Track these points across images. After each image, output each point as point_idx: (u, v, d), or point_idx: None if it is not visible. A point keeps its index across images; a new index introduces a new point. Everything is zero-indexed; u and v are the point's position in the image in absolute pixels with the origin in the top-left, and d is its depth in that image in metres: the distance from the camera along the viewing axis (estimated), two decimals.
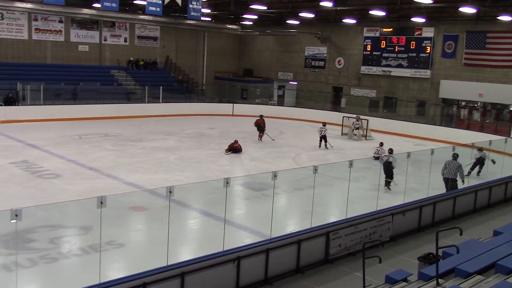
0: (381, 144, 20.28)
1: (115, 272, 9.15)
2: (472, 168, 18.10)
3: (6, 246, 9.89)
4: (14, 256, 9.08)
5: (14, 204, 7.17)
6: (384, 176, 15.29)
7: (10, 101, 26.99)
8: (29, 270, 9.14)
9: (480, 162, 18.19)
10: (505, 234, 8.93)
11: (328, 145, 23.27)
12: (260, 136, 24.49)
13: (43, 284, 8.89)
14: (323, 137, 23.33)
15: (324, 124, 23.87)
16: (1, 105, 26.63)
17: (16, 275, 7.94)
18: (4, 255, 9.69)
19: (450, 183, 14.73)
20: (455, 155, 15.18)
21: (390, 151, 16.71)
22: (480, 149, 18.14)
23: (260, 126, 24.56)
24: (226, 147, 21.04)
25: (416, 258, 8.46)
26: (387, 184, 15.51)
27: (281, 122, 30.92)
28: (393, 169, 15.52)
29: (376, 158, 18.27)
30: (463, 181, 14.92)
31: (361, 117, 27.12)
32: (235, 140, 21.37)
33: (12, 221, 6.44)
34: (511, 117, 28.57)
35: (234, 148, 20.95)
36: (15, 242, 8.79)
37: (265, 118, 25.06)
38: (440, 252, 7.70)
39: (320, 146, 23.28)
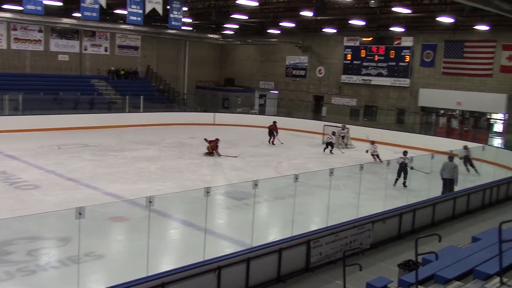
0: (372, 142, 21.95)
1: (94, 284, 9.04)
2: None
3: None
4: None
5: None
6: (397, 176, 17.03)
7: None
8: (6, 283, 8.96)
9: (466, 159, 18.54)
10: (483, 240, 9.04)
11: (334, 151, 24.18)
12: (271, 141, 26.29)
13: None
14: (329, 144, 24.32)
15: (333, 133, 24.95)
16: None
17: None
18: None
19: (449, 183, 15.60)
20: (451, 157, 16.22)
21: (405, 153, 18.11)
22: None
23: (272, 131, 26.54)
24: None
25: (396, 265, 8.51)
26: (403, 182, 17.10)
27: (262, 131, 30.94)
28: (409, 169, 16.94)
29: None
30: (456, 182, 15.64)
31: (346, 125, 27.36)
32: (216, 139, 22.25)
33: None
34: (489, 125, 29.04)
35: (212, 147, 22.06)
36: None
37: (277, 125, 27.00)
38: (419, 259, 7.76)
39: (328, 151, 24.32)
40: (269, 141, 26.41)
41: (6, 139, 23.70)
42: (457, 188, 15.72)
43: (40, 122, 26.90)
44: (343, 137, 26.66)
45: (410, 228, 12.60)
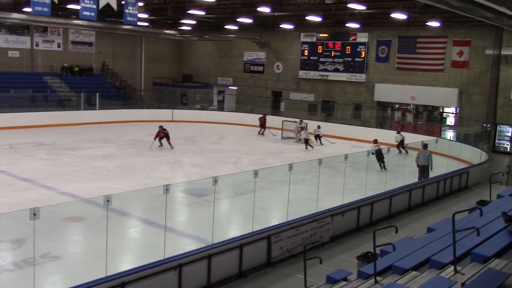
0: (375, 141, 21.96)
1: (51, 286, 8.82)
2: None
3: None
4: None
5: None
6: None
7: None
8: None
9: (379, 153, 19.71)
10: (438, 231, 9.30)
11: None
12: (261, 132, 28.13)
13: None
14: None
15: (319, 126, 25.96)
16: None
17: None
18: None
19: (423, 170, 17.06)
20: (425, 145, 17.49)
21: (375, 141, 20.41)
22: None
23: (261, 123, 28.65)
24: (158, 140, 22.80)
25: (355, 257, 8.67)
26: (382, 166, 18.83)
27: (221, 127, 30.88)
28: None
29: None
30: (431, 168, 17.04)
31: (304, 120, 27.69)
32: (160, 126, 22.84)
33: None
34: (441, 118, 29.92)
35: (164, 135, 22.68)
36: None
37: (267, 117, 29.24)
38: (377, 250, 7.92)
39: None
40: (259, 132, 28.43)
41: None
42: (432, 174, 16.85)
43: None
44: (300, 131, 26.93)
45: (368, 221, 12.85)
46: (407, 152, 22.37)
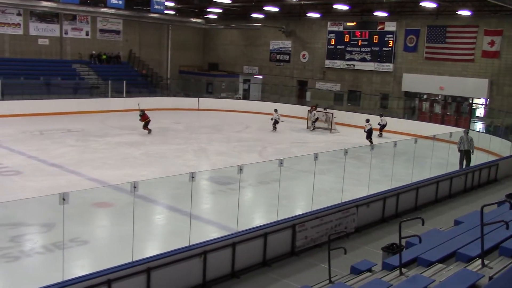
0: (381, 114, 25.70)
1: (79, 270, 9.00)
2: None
3: None
4: None
5: None
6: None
7: None
8: None
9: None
10: (465, 223, 9.17)
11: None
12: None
13: (5, 284, 8.66)
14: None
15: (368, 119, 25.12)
16: None
17: None
18: None
19: (466, 154, 18.21)
20: (467, 131, 18.95)
21: (367, 120, 23.81)
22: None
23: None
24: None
25: (380, 249, 8.62)
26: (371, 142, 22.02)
27: (246, 116, 30.92)
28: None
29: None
30: (472, 151, 18.29)
31: (319, 108, 27.92)
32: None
33: None
34: (471, 109, 29.37)
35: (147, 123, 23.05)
36: None
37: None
38: (403, 242, 7.85)
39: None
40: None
41: None
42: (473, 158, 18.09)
43: (21, 107, 26.52)
44: (314, 120, 27.01)
45: (393, 212, 12.74)
46: (380, 135, 25.38)
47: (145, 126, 23.24)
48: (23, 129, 22.40)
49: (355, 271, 7.72)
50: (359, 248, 10.48)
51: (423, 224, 8.00)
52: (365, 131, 24.17)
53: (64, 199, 7.11)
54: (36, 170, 16.00)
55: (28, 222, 11.43)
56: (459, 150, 18.34)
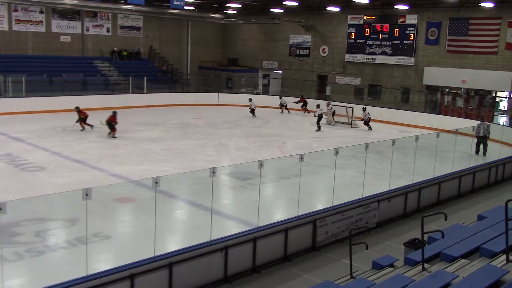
0: (364, 108, 25.86)
1: (102, 264, 9.11)
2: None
3: None
4: None
5: None
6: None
7: None
8: (15, 264, 9.06)
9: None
10: (489, 219, 9.05)
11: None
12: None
13: (30, 278, 8.83)
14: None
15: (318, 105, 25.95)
16: None
17: (2, 269, 7.85)
18: None
19: (483, 140, 19.33)
20: (482, 118, 20.62)
21: (318, 106, 25.31)
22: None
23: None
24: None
25: (402, 244, 8.55)
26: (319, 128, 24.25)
27: (266, 111, 30.90)
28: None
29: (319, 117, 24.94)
30: (488, 136, 19.54)
31: (334, 103, 28.03)
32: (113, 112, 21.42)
33: None
34: (494, 103, 28.88)
35: (110, 123, 21.01)
36: (0, 235, 8.68)
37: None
38: (425, 237, 7.79)
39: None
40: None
41: (11, 122, 23.74)
42: (482, 160, 18.09)
43: (44, 104, 26.90)
44: (332, 114, 26.91)
45: (415, 207, 12.64)
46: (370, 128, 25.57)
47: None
48: (46, 126, 22.74)
49: (377, 266, 7.68)
50: (381, 243, 10.42)
51: (445, 219, 7.92)
52: (315, 115, 25.33)
53: (87, 195, 7.21)
54: (60, 166, 16.24)
55: (52, 217, 11.61)
56: (476, 136, 19.42)
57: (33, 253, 9.64)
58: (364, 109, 25.97)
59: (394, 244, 10.15)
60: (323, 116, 25.86)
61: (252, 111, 28.63)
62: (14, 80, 27.79)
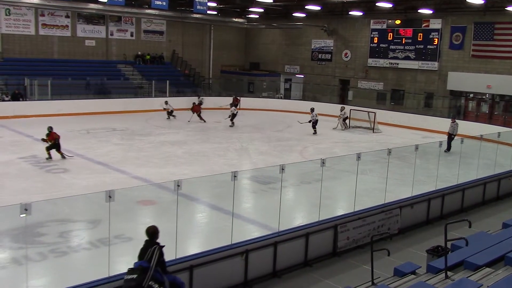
0: (312, 109, 25.48)
1: (124, 266, 9.19)
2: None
3: (16, 240, 9.97)
4: (24, 250, 9.14)
5: (23, 199, 7.21)
6: None
7: (17, 97, 27.18)
8: (39, 264, 9.21)
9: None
10: None
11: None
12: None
13: (53, 278, 8.96)
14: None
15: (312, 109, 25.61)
16: (9, 100, 26.81)
17: (27, 269, 8.00)
18: (14, 249, 9.78)
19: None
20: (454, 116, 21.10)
21: (312, 109, 25.06)
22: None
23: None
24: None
25: (425, 251, 8.46)
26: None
27: (287, 116, 30.89)
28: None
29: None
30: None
31: (356, 108, 27.76)
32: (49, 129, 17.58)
33: (22, 215, 6.48)
34: None
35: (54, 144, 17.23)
36: (25, 236, 8.85)
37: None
38: (448, 244, 7.68)
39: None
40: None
41: (36, 124, 24.13)
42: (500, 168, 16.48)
43: (69, 107, 27.35)
44: (344, 119, 26.67)
45: (438, 214, 12.47)
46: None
47: (55, 149, 17.34)
48: (71, 128, 23.08)
49: (399, 273, 7.59)
50: (403, 250, 10.31)
51: (470, 226, 7.80)
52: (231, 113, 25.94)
53: (110, 197, 7.29)
54: (83, 168, 16.47)
55: (76, 218, 11.77)
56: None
57: (56, 253, 9.79)
58: (312, 110, 25.54)
59: (417, 251, 10.03)
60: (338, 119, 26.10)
61: (170, 113, 27.87)
62: (40, 84, 28.33)
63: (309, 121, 25.20)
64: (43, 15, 32.29)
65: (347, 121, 27.10)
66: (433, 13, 29.63)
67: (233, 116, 26.27)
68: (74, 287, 6.99)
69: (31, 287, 7.85)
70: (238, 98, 30.98)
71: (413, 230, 11.57)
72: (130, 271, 6.52)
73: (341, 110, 27.15)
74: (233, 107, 26.76)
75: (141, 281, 6.29)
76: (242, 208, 12.50)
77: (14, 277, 8.71)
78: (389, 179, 12.45)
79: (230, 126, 25.78)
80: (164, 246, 6.70)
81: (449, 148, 20.04)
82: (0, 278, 8.93)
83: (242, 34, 42.28)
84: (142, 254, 6.64)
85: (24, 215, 6.50)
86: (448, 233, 7.13)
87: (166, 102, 28.09)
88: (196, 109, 27.92)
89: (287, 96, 38.02)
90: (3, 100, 26.69)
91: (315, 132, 24.87)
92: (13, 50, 31.34)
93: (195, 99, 30.67)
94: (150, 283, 6.28)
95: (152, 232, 6.75)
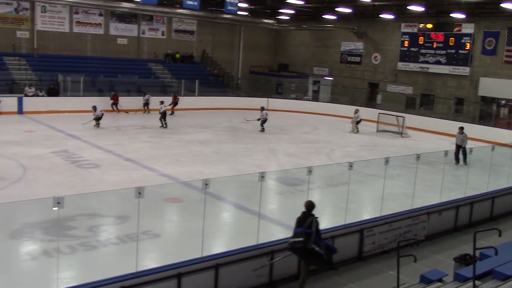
0: (262, 108, 25.29)
1: (151, 262, 9.35)
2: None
3: (47, 233, 10.21)
4: (54, 242, 9.35)
5: (54, 192, 7.40)
6: None
7: (52, 92, 27.80)
8: (68, 257, 9.42)
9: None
10: None
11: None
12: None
13: (82, 271, 9.14)
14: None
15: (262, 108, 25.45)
16: (43, 95, 27.45)
17: (58, 261, 8.20)
18: (45, 241, 10.02)
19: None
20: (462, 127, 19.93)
21: (262, 108, 25.01)
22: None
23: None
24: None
25: (452, 259, 8.36)
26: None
27: (315, 118, 30.82)
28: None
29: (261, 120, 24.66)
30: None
31: (385, 112, 27.40)
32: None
33: (54, 209, 6.64)
34: None
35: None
36: (56, 229, 9.06)
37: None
38: (477, 253, 7.58)
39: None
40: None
41: (68, 119, 24.69)
42: None
43: (100, 104, 27.75)
44: (357, 122, 26.34)
45: (467, 221, 12.28)
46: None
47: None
48: (101, 125, 23.49)
49: (425, 280, 7.53)
50: (429, 257, 10.19)
51: (500, 235, 7.67)
52: (160, 111, 24.45)
53: (140, 193, 7.41)
54: (113, 164, 16.75)
55: (105, 213, 11.99)
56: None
57: (86, 247, 10.01)
58: (262, 109, 25.20)
59: (444, 259, 9.91)
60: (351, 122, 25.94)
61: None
62: (73, 80, 28.92)
63: (257, 119, 24.79)
64: (77, 13, 32.96)
65: (359, 125, 26.61)
66: (465, 17, 29.17)
67: (263, 121, 24.89)
68: (102, 281, 7.12)
69: (61, 278, 8.05)
70: (178, 97, 30.00)
71: (441, 237, 11.42)
72: (294, 235, 7.97)
73: (355, 113, 26.73)
74: (263, 112, 25.18)
75: (305, 243, 7.75)
76: (268, 209, 12.54)
77: (45, 268, 8.94)
78: (417, 185, 12.32)
79: (262, 131, 24.76)
80: (318, 217, 8.11)
81: (457, 160, 19.23)
82: (31, 269, 9.19)
83: (271, 35, 42.35)
84: (301, 222, 8.03)
85: (56, 208, 6.66)
86: (476, 242, 7.04)
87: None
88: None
89: (315, 98, 37.92)
90: (37, 95, 27.32)
91: (262, 130, 24.62)
92: (47, 46, 32.08)
93: (221, 99, 30.83)
94: (312, 246, 7.73)
95: (310, 205, 8.21)
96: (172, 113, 28.13)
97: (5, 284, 8.36)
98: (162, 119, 24.23)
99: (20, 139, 19.64)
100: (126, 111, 27.95)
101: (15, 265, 9.24)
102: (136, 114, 27.96)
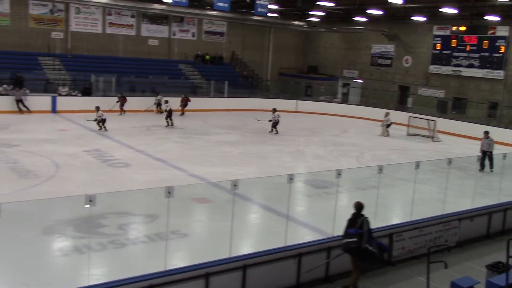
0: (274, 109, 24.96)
1: (179, 261, 9.44)
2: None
3: (78, 230, 10.42)
4: (85, 239, 9.53)
5: (86, 190, 7.55)
6: None
7: (86, 92, 28.33)
8: (99, 254, 9.58)
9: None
10: None
11: None
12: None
13: (112, 268, 9.28)
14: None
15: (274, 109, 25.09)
16: (76, 95, 27.99)
17: (89, 258, 8.35)
18: (76, 238, 10.21)
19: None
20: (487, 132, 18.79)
21: (274, 110, 24.68)
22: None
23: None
24: None
25: (484, 266, 8.20)
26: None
27: (344, 120, 30.61)
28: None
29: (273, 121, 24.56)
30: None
31: (416, 115, 27.03)
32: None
33: (86, 206, 6.78)
34: None
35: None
36: (87, 226, 9.22)
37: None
38: (510, 261, 7.41)
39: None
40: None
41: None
42: None
43: (131, 104, 28.15)
44: (388, 125, 25.93)
45: (500, 229, 12.02)
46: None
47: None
48: (132, 124, 23.86)
49: (456, 287, 7.40)
50: (461, 263, 10.01)
51: None
52: (165, 110, 24.88)
53: (169, 193, 7.49)
54: (143, 163, 16.97)
55: (134, 212, 12.14)
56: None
57: (115, 244, 10.16)
58: (274, 110, 24.85)
59: (475, 266, 9.72)
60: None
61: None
62: (105, 80, 29.42)
63: (269, 121, 24.63)
64: (110, 14, 33.53)
65: (389, 128, 26.23)
66: (500, 20, 28.55)
67: (275, 123, 24.68)
68: (131, 278, 7.21)
69: (91, 275, 8.20)
70: (188, 98, 29.35)
71: (472, 244, 11.20)
72: (347, 235, 8.30)
73: (385, 116, 26.39)
74: (275, 114, 24.82)
75: (359, 243, 8.06)
76: (295, 211, 12.51)
77: (76, 265, 9.11)
78: (448, 190, 12.11)
79: (275, 134, 24.45)
80: (368, 217, 8.38)
81: (482, 166, 17.85)
82: (62, 265, 9.38)
83: (301, 37, 42.25)
84: (352, 223, 8.34)
85: (88, 205, 6.79)
86: (510, 250, 6.88)
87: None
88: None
89: (345, 100, 37.66)
90: (71, 95, 27.88)
91: (273, 132, 24.43)
92: (81, 47, 32.71)
93: (250, 100, 30.89)
94: (366, 245, 8.04)
95: (360, 206, 8.51)
96: (182, 114, 28.42)
97: (37, 279, 8.55)
98: (168, 118, 24.56)
99: (54, 138, 20.08)
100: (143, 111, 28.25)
101: (47, 261, 9.45)
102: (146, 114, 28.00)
